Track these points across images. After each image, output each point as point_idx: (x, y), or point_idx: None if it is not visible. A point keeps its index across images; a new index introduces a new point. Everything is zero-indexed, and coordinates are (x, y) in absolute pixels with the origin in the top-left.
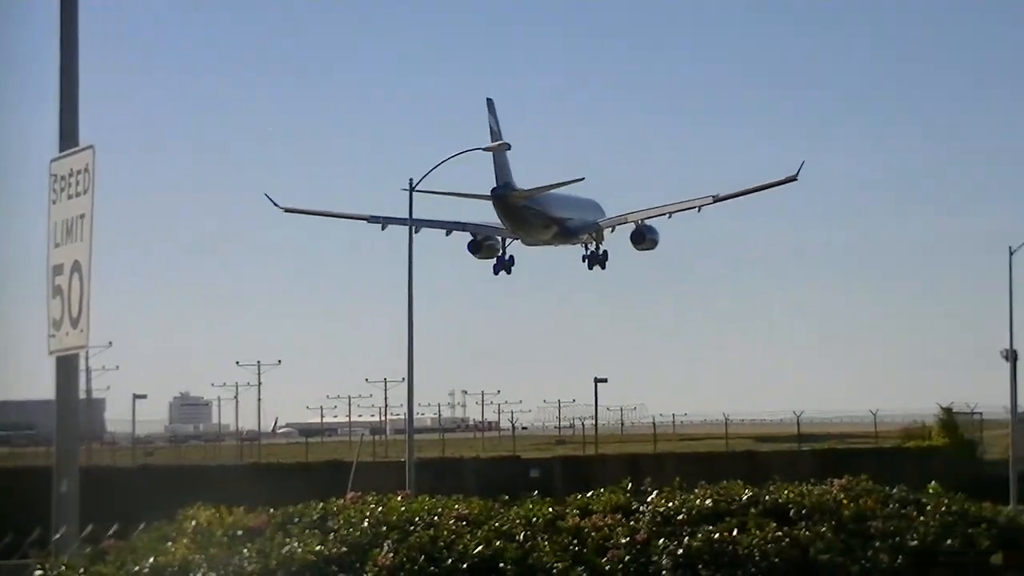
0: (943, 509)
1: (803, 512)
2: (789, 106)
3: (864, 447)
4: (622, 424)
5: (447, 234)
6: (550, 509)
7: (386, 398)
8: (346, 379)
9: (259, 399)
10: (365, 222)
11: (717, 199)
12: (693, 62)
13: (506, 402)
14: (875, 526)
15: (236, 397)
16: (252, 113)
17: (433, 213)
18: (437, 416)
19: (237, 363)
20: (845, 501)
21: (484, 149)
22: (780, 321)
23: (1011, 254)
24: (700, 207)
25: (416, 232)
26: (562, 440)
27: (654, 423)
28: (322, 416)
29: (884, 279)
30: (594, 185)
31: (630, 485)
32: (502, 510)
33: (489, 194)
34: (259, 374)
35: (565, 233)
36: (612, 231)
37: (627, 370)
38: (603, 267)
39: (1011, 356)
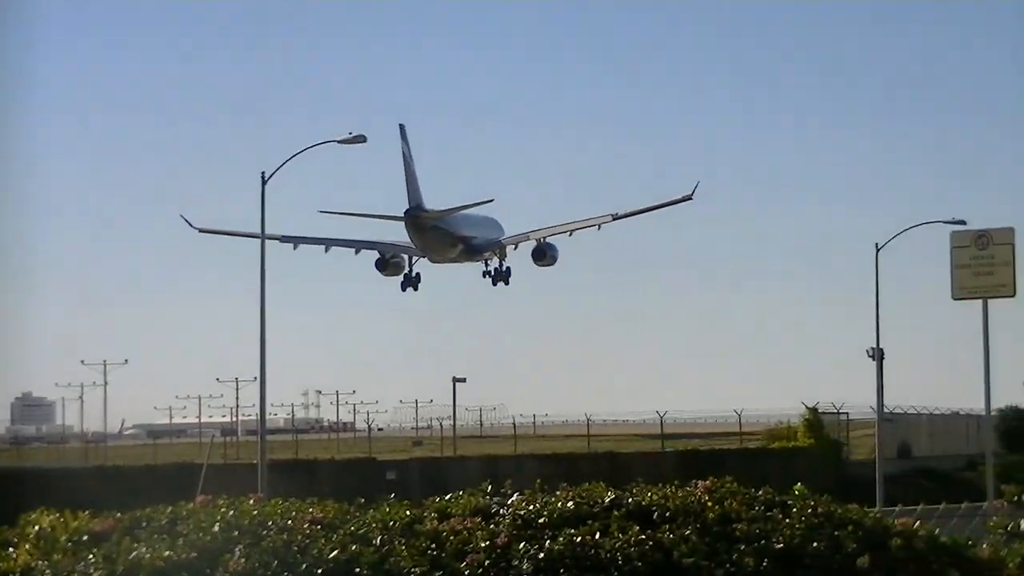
0: (809, 511)
1: (667, 515)
2: (686, 123)
3: (729, 448)
4: (481, 425)
5: (356, 252)
6: (408, 512)
7: (237, 398)
8: (196, 379)
9: (105, 399)
10: (278, 242)
11: (616, 217)
12: (595, 85)
13: (362, 402)
14: (740, 528)
15: (81, 397)
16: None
17: (348, 233)
18: (290, 417)
19: (82, 362)
20: (710, 503)
21: (339, 142)
22: (649, 323)
23: (877, 251)
24: (600, 225)
25: (327, 251)
26: (419, 441)
27: (514, 424)
28: (171, 417)
29: (753, 278)
30: (497, 205)
31: (490, 487)
32: (358, 513)
33: (402, 215)
34: (105, 373)
35: (470, 251)
36: (515, 248)
37: (487, 370)
38: (506, 283)
39: (877, 355)
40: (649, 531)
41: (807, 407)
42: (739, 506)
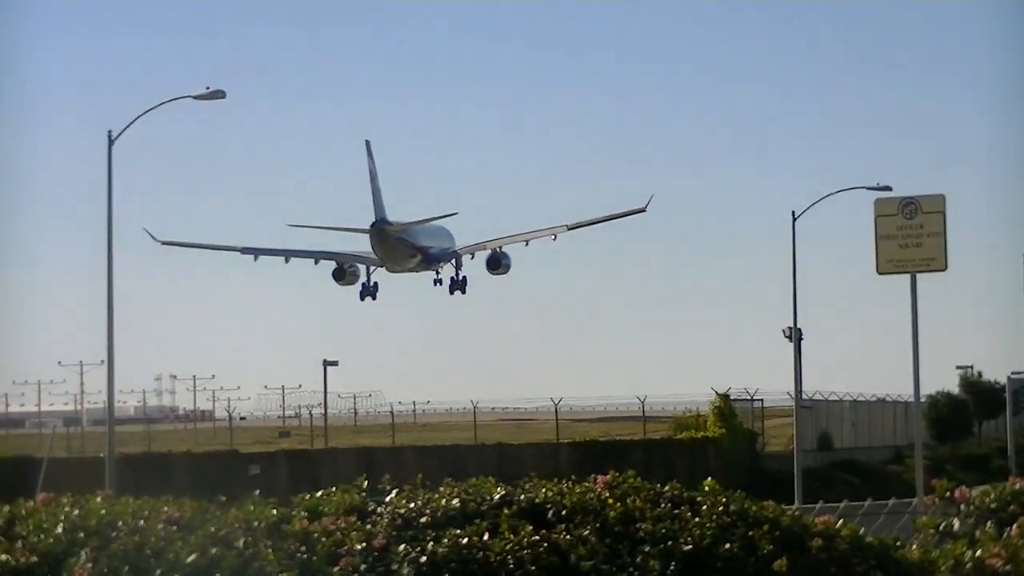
0: (720, 509)
1: (563, 513)
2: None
3: (631, 439)
4: (355, 413)
5: (315, 263)
6: (274, 511)
7: (82, 384)
8: (35, 362)
9: None
10: (239, 253)
11: (571, 227)
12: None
13: (222, 388)
14: (644, 528)
15: None
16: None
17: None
18: (142, 404)
19: None
20: (610, 500)
21: (194, 97)
22: (543, 305)
23: (794, 220)
24: (556, 235)
25: (287, 262)
26: (286, 432)
27: (392, 412)
28: (7, 405)
29: (659, 253)
30: (457, 217)
31: (366, 483)
32: (219, 513)
33: (369, 228)
34: None
35: (428, 260)
36: (472, 257)
37: (363, 354)
38: (463, 291)
39: (795, 336)
40: (543, 532)
41: (717, 393)
42: (643, 503)
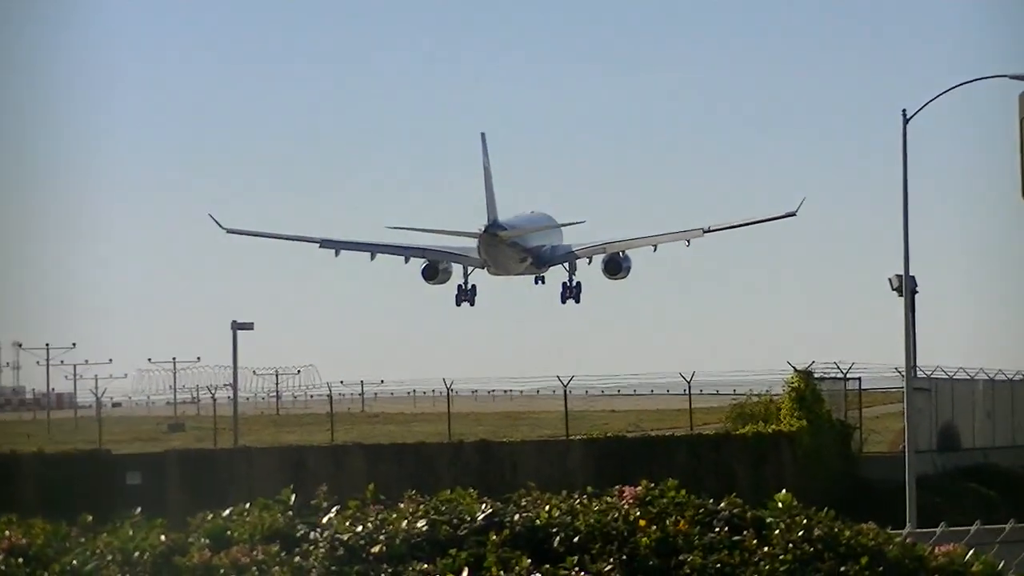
0: (799, 534)
1: (575, 540)
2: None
3: (672, 434)
4: (278, 398)
5: (405, 261)
6: (163, 537)
7: None
8: None
9: None
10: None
11: (708, 231)
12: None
13: (87, 362)
14: (691, 562)
15: None
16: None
17: None
18: None
19: None
20: (642, 522)
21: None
22: None
23: (905, 123)
24: (689, 240)
25: (372, 259)
26: (178, 424)
27: (330, 395)
28: None
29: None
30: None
31: (293, 497)
32: (83, 539)
33: (480, 232)
34: None
35: (539, 263)
36: (589, 262)
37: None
38: (577, 300)
39: (905, 287)
40: (547, 567)
41: (796, 370)
42: (688, 526)
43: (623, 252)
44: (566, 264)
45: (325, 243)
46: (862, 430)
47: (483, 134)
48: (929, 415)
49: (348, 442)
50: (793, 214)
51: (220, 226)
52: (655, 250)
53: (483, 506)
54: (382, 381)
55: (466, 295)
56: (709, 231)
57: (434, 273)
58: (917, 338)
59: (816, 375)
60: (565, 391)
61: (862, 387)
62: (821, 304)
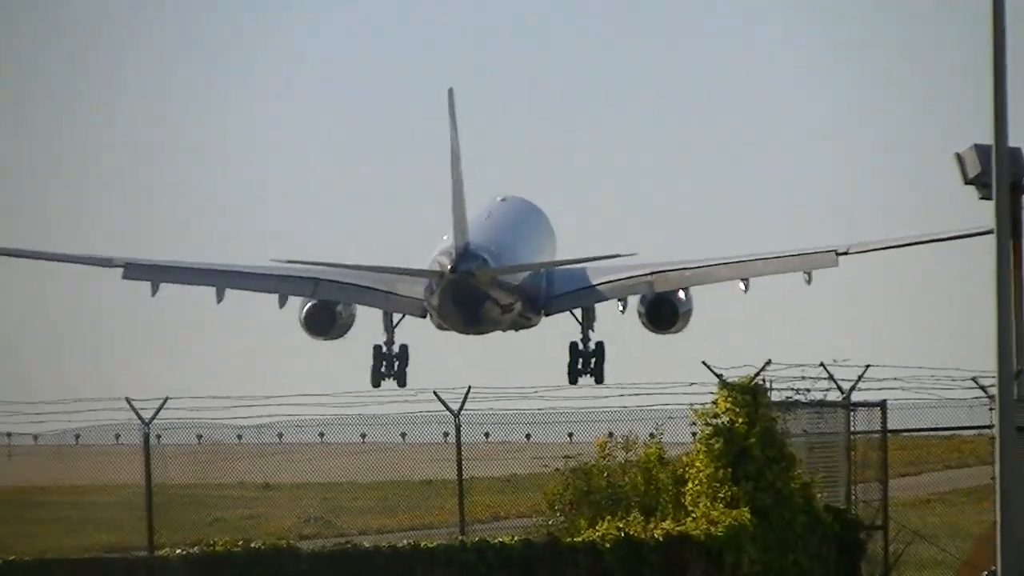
0: None
1: None
2: None
3: None
4: None
5: (281, 303)
6: None
7: None
8: None
9: None
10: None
11: (844, 253)
12: None
13: None
14: None
15: None
16: None
17: None
18: None
19: None
20: None
21: None
22: None
23: None
24: (811, 272)
25: (220, 300)
26: None
27: None
28: None
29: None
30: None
31: None
32: None
33: (444, 271)
34: None
35: (530, 310)
36: (623, 308)
37: None
38: (598, 378)
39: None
40: None
41: (719, 378)
42: None
43: (684, 289)
44: (576, 311)
45: (132, 270)
46: (888, 531)
47: (451, 90)
48: None
49: None
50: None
51: None
52: (746, 288)
53: None
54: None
55: (390, 366)
56: (842, 254)
57: (327, 320)
58: None
59: (777, 388)
60: None
61: (888, 422)
62: None
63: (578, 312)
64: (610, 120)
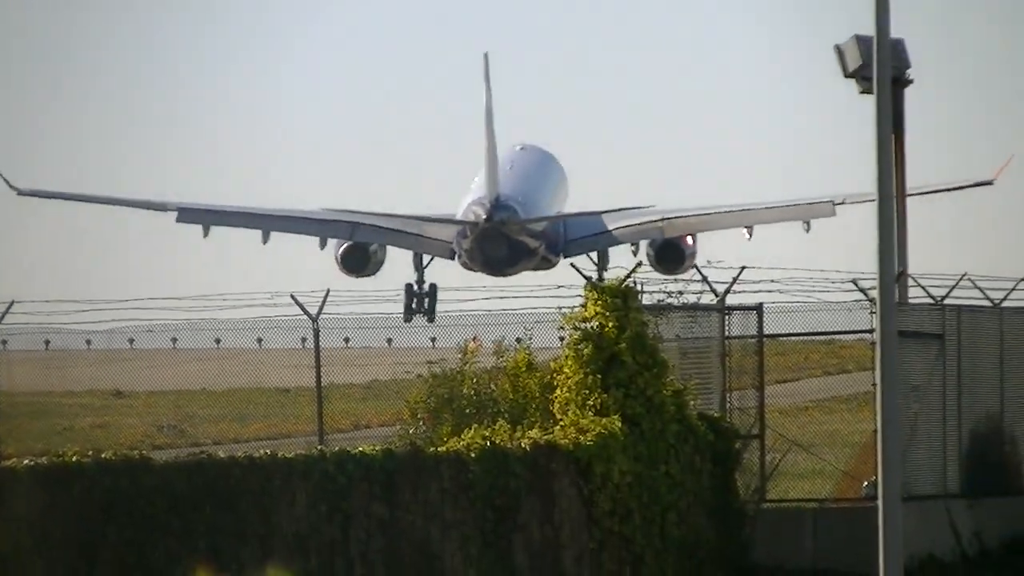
0: None
1: None
2: None
3: None
4: None
5: (321, 245)
6: None
7: None
8: None
9: None
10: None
11: (841, 203)
12: None
13: None
14: None
15: None
16: None
17: None
18: None
19: None
20: None
21: None
22: None
23: None
24: (809, 220)
25: (265, 241)
26: None
27: None
28: None
29: None
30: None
31: None
32: None
33: (479, 221)
34: None
35: (550, 253)
36: (635, 250)
37: None
38: None
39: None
40: None
41: (585, 276)
42: None
43: (692, 234)
44: (593, 253)
45: (185, 213)
46: (765, 441)
47: (486, 54)
48: (940, 399)
49: None
50: (991, 182)
51: (11, 187)
52: (750, 236)
53: None
54: None
55: (420, 303)
56: (842, 204)
57: (361, 260)
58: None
59: (648, 291)
60: None
61: (764, 327)
62: None
63: (594, 255)
64: (627, 74)
